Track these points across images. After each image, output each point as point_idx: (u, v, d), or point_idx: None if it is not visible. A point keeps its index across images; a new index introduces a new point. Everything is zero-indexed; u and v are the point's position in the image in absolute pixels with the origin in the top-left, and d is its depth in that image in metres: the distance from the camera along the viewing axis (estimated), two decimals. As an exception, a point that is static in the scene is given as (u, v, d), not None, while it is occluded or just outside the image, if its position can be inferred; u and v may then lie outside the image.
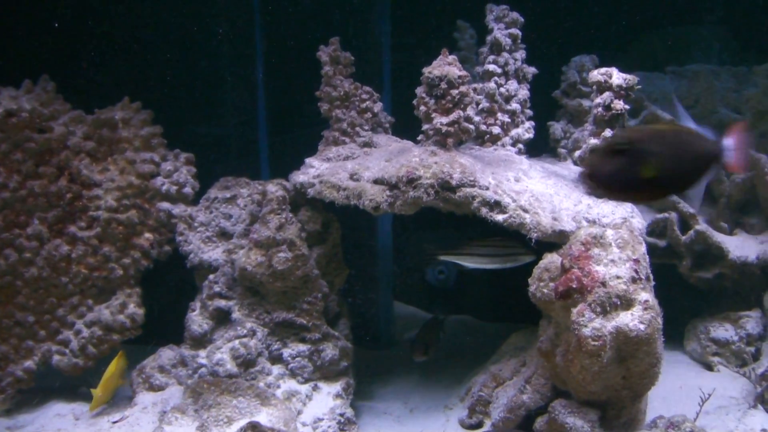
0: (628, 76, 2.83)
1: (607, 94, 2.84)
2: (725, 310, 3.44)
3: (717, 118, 3.71)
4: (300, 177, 3.09)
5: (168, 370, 3.12)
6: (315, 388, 3.05)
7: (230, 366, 2.97)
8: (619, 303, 2.30)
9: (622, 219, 2.81)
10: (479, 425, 2.96)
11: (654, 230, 3.45)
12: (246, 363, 3.00)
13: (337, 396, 3.04)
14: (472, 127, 3.07)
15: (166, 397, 3.03)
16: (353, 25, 3.86)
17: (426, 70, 2.88)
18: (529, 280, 2.61)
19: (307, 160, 3.22)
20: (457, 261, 3.12)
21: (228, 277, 3.14)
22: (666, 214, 3.40)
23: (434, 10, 4.13)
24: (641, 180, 1.74)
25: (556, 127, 3.63)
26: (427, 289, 4.31)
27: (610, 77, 2.83)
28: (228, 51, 3.94)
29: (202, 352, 3.09)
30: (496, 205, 2.71)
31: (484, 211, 2.71)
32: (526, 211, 2.71)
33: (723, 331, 3.35)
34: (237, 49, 3.95)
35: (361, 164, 3.00)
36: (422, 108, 2.93)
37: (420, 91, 2.92)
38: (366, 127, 3.29)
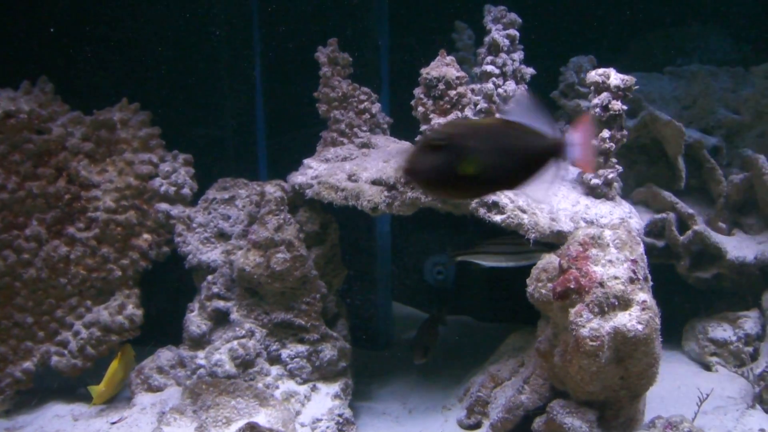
0: (625, 77, 2.83)
1: (605, 95, 2.85)
2: (723, 310, 3.44)
3: (715, 119, 3.72)
4: (298, 178, 3.10)
5: (166, 371, 3.13)
6: (313, 388, 3.05)
7: (229, 367, 2.98)
8: (617, 303, 2.30)
9: (620, 219, 2.81)
10: (478, 425, 2.96)
11: (652, 230, 3.45)
12: (244, 364, 3.00)
13: (336, 396, 3.04)
14: (470, 127, 3.06)
15: (165, 398, 3.03)
16: (351, 26, 3.87)
17: (424, 71, 2.89)
18: (528, 281, 2.62)
19: (306, 161, 3.22)
20: (474, 260, 3.12)
21: (226, 278, 3.14)
22: (664, 215, 3.40)
23: (432, 11, 4.13)
24: (461, 176, 1.66)
25: (555, 128, 3.63)
26: (426, 290, 4.31)
27: (608, 78, 2.84)
28: (226, 52, 3.94)
29: (201, 353, 3.09)
30: (494, 206, 2.72)
31: (482, 211, 2.72)
32: (524, 211, 2.72)
33: (721, 331, 3.35)
34: (235, 50, 3.95)
35: (359, 165, 3.00)
36: (420, 109, 2.93)
37: (418, 91, 2.92)
38: (364, 128, 3.29)
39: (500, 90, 3.30)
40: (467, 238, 4.12)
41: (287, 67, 3.96)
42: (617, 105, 2.83)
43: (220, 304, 3.13)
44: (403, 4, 4.06)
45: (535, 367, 2.70)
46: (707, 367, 3.35)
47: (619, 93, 2.83)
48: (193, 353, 3.10)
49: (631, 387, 2.40)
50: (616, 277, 2.32)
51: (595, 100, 2.88)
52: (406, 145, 3.23)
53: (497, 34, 3.28)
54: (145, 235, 3.30)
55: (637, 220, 2.96)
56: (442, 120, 2.87)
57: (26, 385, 3.12)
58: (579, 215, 2.79)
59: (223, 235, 3.28)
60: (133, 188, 3.27)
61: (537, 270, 2.60)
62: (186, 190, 3.37)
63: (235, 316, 3.08)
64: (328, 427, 2.90)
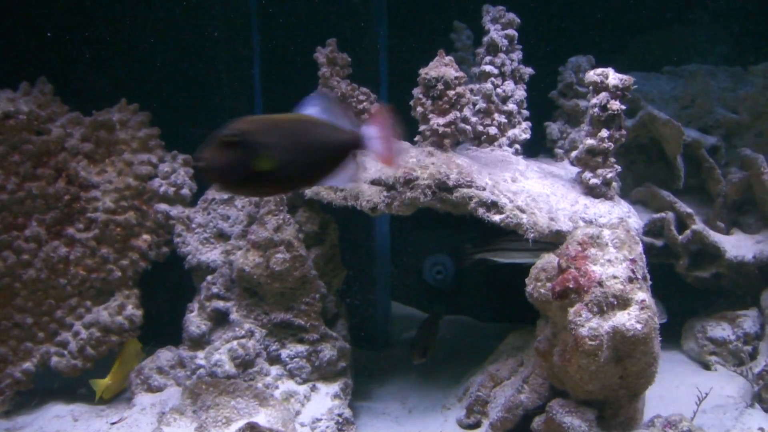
0: (624, 77, 2.83)
1: (603, 95, 2.85)
2: (722, 310, 3.45)
3: (714, 118, 3.72)
4: (297, 178, 3.09)
5: (166, 371, 3.13)
6: (313, 388, 3.05)
7: (228, 367, 2.98)
8: (615, 303, 2.31)
9: (618, 219, 2.82)
10: (477, 425, 2.96)
11: (651, 230, 3.45)
12: (244, 364, 3.00)
13: (336, 396, 3.04)
14: (468, 127, 3.08)
15: (165, 398, 3.03)
16: (350, 26, 3.87)
17: (423, 71, 2.89)
18: (527, 281, 2.62)
19: (305, 161, 3.22)
20: (490, 257, 3.13)
21: (226, 278, 3.14)
22: (663, 214, 3.41)
23: (431, 12, 4.13)
24: (257, 173, 1.64)
25: (553, 128, 3.64)
26: (425, 290, 4.31)
27: (607, 77, 2.84)
28: (225, 52, 3.94)
29: (201, 353, 3.09)
30: (493, 206, 2.72)
31: (481, 211, 2.72)
32: (523, 211, 2.72)
33: (720, 330, 3.35)
34: (234, 51, 3.95)
35: (358, 165, 3.00)
36: (419, 109, 2.93)
37: (417, 92, 2.93)
38: (363, 128, 3.29)
39: (499, 90, 3.31)
40: (467, 237, 4.12)
41: (286, 67, 3.96)
42: (616, 105, 2.83)
43: (220, 304, 3.13)
44: (402, 5, 4.06)
45: (534, 366, 2.71)
46: (706, 366, 3.36)
47: (617, 93, 2.84)
48: (193, 353, 3.11)
49: (630, 386, 2.40)
50: (615, 277, 2.33)
51: (594, 100, 2.88)
52: (405, 145, 3.23)
53: (496, 34, 3.29)
54: (145, 236, 3.30)
55: (635, 219, 2.97)
56: (441, 120, 2.88)
57: (26, 385, 3.12)
58: (578, 215, 2.80)
59: (222, 236, 3.28)
60: (132, 189, 3.27)
61: (536, 269, 2.60)
62: (185, 191, 3.37)
63: (234, 316, 3.08)
64: (327, 427, 2.90)
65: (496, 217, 2.71)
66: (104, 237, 3.22)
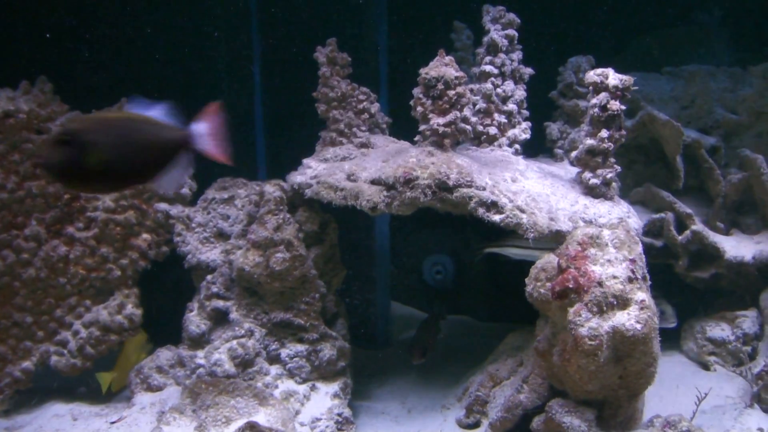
0: (624, 77, 2.83)
1: (603, 95, 2.85)
2: (721, 310, 3.45)
3: (713, 119, 3.72)
4: (297, 178, 3.10)
5: (166, 371, 3.13)
6: (313, 388, 3.05)
7: (228, 366, 2.98)
8: (615, 303, 2.31)
9: (618, 219, 2.82)
10: (477, 425, 2.97)
11: (650, 230, 3.46)
12: (244, 363, 3.00)
13: (335, 396, 3.04)
14: (468, 127, 3.08)
15: (164, 398, 3.03)
16: (350, 26, 3.87)
17: (423, 71, 2.89)
18: (526, 280, 2.62)
19: (305, 161, 3.23)
20: (502, 252, 3.13)
21: (226, 277, 3.14)
22: (662, 214, 3.41)
23: (431, 11, 4.14)
24: (90, 171, 1.73)
25: (553, 128, 3.64)
26: (425, 289, 4.31)
27: (607, 78, 2.84)
28: (225, 52, 3.95)
29: (200, 353, 3.09)
30: (493, 206, 2.72)
31: (481, 211, 2.72)
32: (522, 211, 2.72)
33: (719, 330, 3.36)
34: (234, 50, 3.96)
35: (358, 165, 3.00)
36: (419, 109, 2.93)
37: (417, 91, 2.93)
38: (363, 128, 3.30)
39: (499, 90, 3.31)
40: (466, 237, 4.13)
41: (286, 66, 3.96)
42: (616, 105, 2.83)
43: (220, 303, 3.13)
44: (402, 5, 4.06)
45: (533, 366, 2.71)
46: (705, 367, 3.36)
47: (617, 93, 2.84)
48: (193, 353, 3.11)
49: (630, 386, 2.40)
50: (614, 277, 2.33)
51: (594, 100, 2.88)
52: (405, 144, 3.23)
53: (496, 34, 3.29)
54: (145, 235, 3.30)
55: (635, 219, 2.97)
56: (441, 120, 2.88)
57: (25, 384, 3.12)
58: (578, 215, 2.80)
59: (222, 235, 3.28)
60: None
61: (536, 269, 2.60)
62: (185, 190, 3.37)
63: (234, 315, 3.08)
64: (327, 427, 2.90)
65: (496, 217, 2.71)
66: (104, 236, 3.22)
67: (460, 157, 2.87)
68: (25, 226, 3.14)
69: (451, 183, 2.72)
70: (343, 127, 3.26)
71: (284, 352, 3.07)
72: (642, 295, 2.33)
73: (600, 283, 2.31)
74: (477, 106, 3.33)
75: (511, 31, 3.30)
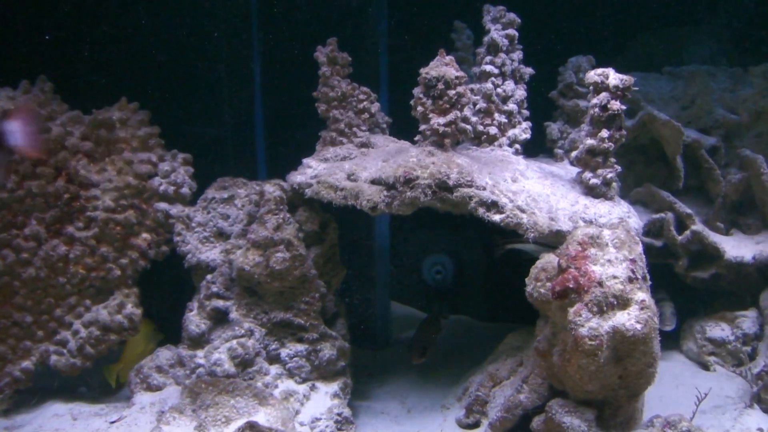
0: (624, 77, 2.83)
1: (603, 95, 2.85)
2: (721, 310, 3.45)
3: (713, 119, 3.72)
4: (297, 177, 3.10)
5: (166, 371, 3.13)
6: (312, 387, 3.05)
7: (228, 366, 2.98)
8: (615, 303, 2.31)
9: (618, 219, 2.82)
10: (476, 425, 2.97)
11: (650, 230, 3.46)
12: (244, 363, 3.00)
13: (335, 396, 3.04)
14: (469, 127, 3.08)
15: (164, 397, 3.03)
16: (351, 25, 3.87)
17: (423, 71, 2.89)
18: (526, 280, 2.62)
19: (305, 161, 3.23)
20: (521, 248, 3.12)
21: (225, 277, 3.14)
22: (662, 214, 3.41)
23: (431, 11, 4.13)
24: None
25: (553, 128, 3.64)
26: (424, 289, 4.31)
27: (607, 78, 2.84)
28: (225, 51, 3.94)
29: (200, 352, 3.09)
30: (493, 206, 2.72)
31: (481, 211, 2.72)
32: (523, 211, 2.72)
33: (719, 330, 3.36)
34: (234, 50, 3.95)
35: (358, 164, 3.00)
36: (419, 108, 2.93)
37: (417, 91, 2.93)
38: (363, 128, 3.29)
39: (499, 90, 3.31)
40: (466, 237, 4.13)
41: (286, 66, 3.96)
42: (616, 105, 2.83)
43: (219, 303, 3.13)
44: (402, 5, 4.06)
45: (533, 366, 2.71)
46: (705, 367, 3.36)
47: (617, 93, 2.84)
48: (192, 352, 3.10)
49: (630, 386, 2.40)
50: (614, 277, 2.33)
51: (594, 100, 2.88)
52: (405, 144, 3.23)
53: (496, 34, 3.29)
54: (144, 235, 3.30)
55: (635, 219, 2.97)
56: (441, 119, 2.88)
57: (25, 384, 3.12)
58: (578, 215, 2.80)
59: (222, 235, 3.28)
60: (132, 187, 3.27)
61: (536, 269, 2.60)
62: (185, 190, 3.37)
63: (234, 315, 3.08)
64: (327, 426, 2.90)
65: (496, 217, 2.71)
66: (104, 236, 3.22)
67: (460, 157, 2.87)
68: (24, 226, 3.14)
69: (451, 183, 2.71)
70: (344, 127, 3.26)
71: (284, 352, 3.07)
72: (642, 295, 2.33)
73: (600, 283, 2.31)
74: (477, 106, 3.32)
75: (512, 31, 3.30)
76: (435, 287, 4.25)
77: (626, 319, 2.28)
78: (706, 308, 3.53)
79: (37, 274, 3.14)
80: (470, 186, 2.73)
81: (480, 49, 3.37)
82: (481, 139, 3.31)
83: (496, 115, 3.30)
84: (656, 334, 2.34)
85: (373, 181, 2.84)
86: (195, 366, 3.06)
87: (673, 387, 3.14)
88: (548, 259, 2.58)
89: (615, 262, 2.37)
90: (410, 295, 4.37)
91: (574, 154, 3.05)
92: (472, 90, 3.25)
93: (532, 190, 2.86)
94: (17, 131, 1.85)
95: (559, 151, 3.58)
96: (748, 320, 3.35)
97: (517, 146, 3.32)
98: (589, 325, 2.28)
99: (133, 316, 3.19)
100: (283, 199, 3.06)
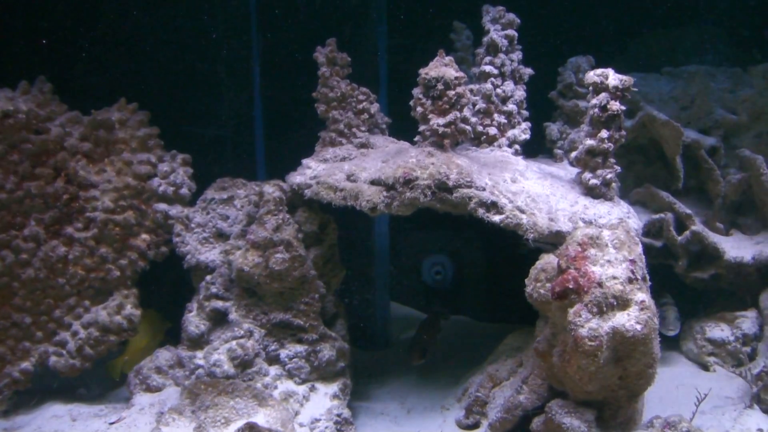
0: (624, 77, 2.83)
1: (603, 95, 2.85)
2: (721, 311, 3.45)
3: (713, 119, 3.72)
4: (297, 178, 3.10)
5: (165, 371, 3.12)
6: (312, 388, 3.05)
7: (227, 367, 2.97)
8: (615, 303, 2.31)
9: (618, 219, 2.82)
10: (476, 426, 2.96)
11: (650, 231, 3.46)
12: (243, 364, 3.00)
13: (335, 397, 3.04)
14: (468, 128, 3.07)
15: (164, 398, 3.02)
16: (350, 26, 3.87)
17: (423, 72, 2.89)
18: (526, 281, 2.62)
19: (304, 161, 3.22)
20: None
21: (225, 278, 3.14)
22: (662, 215, 3.41)
23: (431, 12, 4.13)
24: None
25: (553, 128, 3.64)
26: (424, 290, 4.31)
27: (607, 78, 2.84)
28: (224, 52, 3.94)
29: (199, 353, 3.09)
30: (493, 206, 2.72)
31: (480, 211, 2.72)
32: (522, 211, 2.72)
33: (719, 331, 3.36)
34: (233, 50, 3.95)
35: (358, 165, 3.00)
36: (419, 109, 2.93)
37: (417, 92, 2.93)
38: (363, 128, 3.29)
39: (499, 90, 3.31)
40: (465, 238, 4.13)
41: (286, 67, 3.96)
42: (616, 105, 2.83)
43: (219, 304, 3.13)
44: (402, 5, 4.06)
45: (533, 367, 2.71)
46: (705, 367, 3.36)
47: (617, 93, 2.83)
48: (192, 353, 3.10)
49: (630, 387, 2.40)
50: (614, 277, 2.33)
51: (594, 101, 2.88)
52: (405, 145, 3.23)
53: (496, 35, 3.29)
54: (144, 235, 3.29)
55: (635, 220, 2.97)
56: (440, 120, 2.88)
57: (24, 385, 3.12)
58: (577, 215, 2.80)
59: (221, 235, 3.28)
60: (131, 188, 3.27)
61: (536, 270, 2.60)
62: (184, 190, 3.37)
63: (233, 316, 3.08)
64: (326, 427, 2.90)
65: (496, 218, 2.71)
66: (103, 236, 3.21)
67: (459, 158, 2.87)
68: (24, 227, 3.14)
69: (450, 183, 2.71)
70: (343, 128, 3.26)
71: (283, 353, 3.07)
72: (642, 295, 2.33)
73: (600, 284, 2.31)
74: (477, 107, 3.32)
75: (511, 32, 3.30)
76: (434, 288, 4.25)
77: (626, 319, 2.28)
78: (706, 309, 3.53)
79: (36, 275, 3.14)
80: (470, 187, 2.73)
81: (479, 49, 3.36)
82: (480, 140, 3.31)
83: (496, 115, 3.30)
84: (656, 335, 2.34)
85: (373, 182, 2.84)
86: (194, 367, 3.05)
87: (673, 387, 3.14)
88: (548, 260, 2.57)
89: (615, 263, 2.37)
90: (410, 296, 4.36)
91: (573, 154, 3.04)
92: (471, 90, 3.25)
93: (531, 191, 2.86)
94: None
95: (559, 152, 3.58)
96: (747, 321, 3.35)
97: (517, 147, 3.32)
98: (589, 325, 2.28)
99: (132, 317, 3.19)
100: (282, 199, 3.06)
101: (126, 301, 3.21)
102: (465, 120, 3.08)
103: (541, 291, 2.54)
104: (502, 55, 3.30)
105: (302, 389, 3.03)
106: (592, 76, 2.88)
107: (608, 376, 2.35)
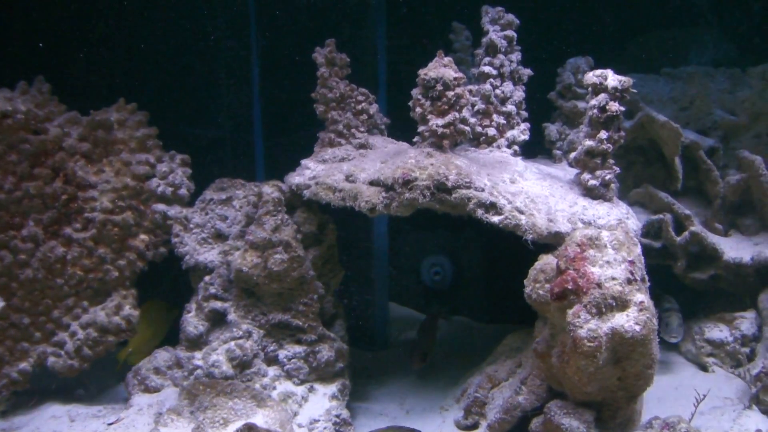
0: (623, 78, 2.83)
1: (602, 96, 2.85)
2: (720, 311, 3.45)
3: (712, 120, 3.72)
4: (296, 178, 3.09)
5: (163, 372, 3.12)
6: (311, 389, 3.05)
7: (226, 367, 2.97)
8: (614, 304, 2.31)
9: (617, 220, 2.81)
10: (475, 426, 2.96)
11: (649, 231, 3.46)
12: (242, 364, 2.99)
13: (333, 397, 3.04)
14: (467, 128, 3.07)
15: (162, 399, 3.02)
16: (349, 26, 3.87)
17: (422, 72, 2.89)
18: (525, 282, 2.62)
19: (303, 162, 3.22)
20: None
21: (224, 278, 3.14)
22: (661, 216, 3.41)
23: (430, 12, 4.13)
24: None
25: (552, 129, 3.64)
26: (423, 290, 4.31)
27: (606, 79, 2.84)
28: (224, 52, 3.94)
29: (198, 354, 3.08)
30: (492, 207, 2.72)
31: (479, 212, 2.72)
32: (521, 212, 2.72)
33: (718, 331, 3.36)
34: (233, 51, 3.95)
35: (356, 166, 3.00)
36: (418, 109, 2.93)
37: (416, 92, 2.92)
38: (362, 129, 3.29)
39: (498, 91, 3.31)
40: (464, 238, 4.13)
41: (285, 67, 3.96)
42: (615, 106, 2.83)
43: (218, 304, 3.12)
44: (401, 6, 4.06)
45: (532, 367, 2.70)
46: (704, 368, 3.36)
47: (616, 94, 2.83)
48: (190, 354, 3.10)
49: (629, 388, 2.40)
50: (613, 278, 2.33)
51: (593, 102, 2.88)
52: (404, 145, 3.23)
53: (495, 35, 3.28)
54: (142, 236, 3.29)
55: (634, 221, 2.97)
56: (440, 121, 2.87)
57: (23, 385, 3.11)
58: (576, 216, 2.80)
59: (220, 236, 3.27)
60: (130, 189, 3.27)
61: (534, 271, 2.60)
62: (183, 191, 3.36)
63: (232, 316, 3.08)
64: (325, 428, 2.90)
65: (495, 218, 2.70)
66: (101, 237, 3.21)
67: (458, 158, 2.87)
68: (22, 227, 3.13)
69: (449, 184, 2.71)
70: (342, 128, 3.25)
71: (282, 354, 3.06)
72: (641, 296, 2.33)
73: (599, 285, 2.31)
74: (476, 107, 3.32)
75: (510, 32, 3.30)
76: (433, 288, 4.24)
77: (625, 320, 2.28)
78: (705, 309, 3.53)
79: (35, 276, 3.13)
80: (469, 187, 2.72)
81: (478, 50, 3.36)
82: (479, 141, 3.31)
83: (495, 116, 3.30)
84: (655, 336, 2.34)
85: (372, 183, 2.84)
86: (193, 367, 3.05)
87: (672, 388, 3.14)
88: (547, 261, 2.57)
89: (614, 264, 2.37)
90: (409, 296, 4.36)
91: (572, 155, 3.04)
92: (470, 91, 3.24)
93: (530, 192, 2.86)
94: None
95: (558, 153, 3.58)
96: (746, 321, 3.35)
97: (516, 147, 3.32)
98: (588, 326, 2.28)
99: (130, 317, 3.18)
100: (281, 200, 3.05)
101: (124, 301, 3.20)
102: (464, 121, 3.08)
103: (540, 292, 2.54)
104: (501, 56, 3.30)
105: (301, 390, 3.02)
106: (591, 77, 2.87)
107: (607, 377, 2.35)
